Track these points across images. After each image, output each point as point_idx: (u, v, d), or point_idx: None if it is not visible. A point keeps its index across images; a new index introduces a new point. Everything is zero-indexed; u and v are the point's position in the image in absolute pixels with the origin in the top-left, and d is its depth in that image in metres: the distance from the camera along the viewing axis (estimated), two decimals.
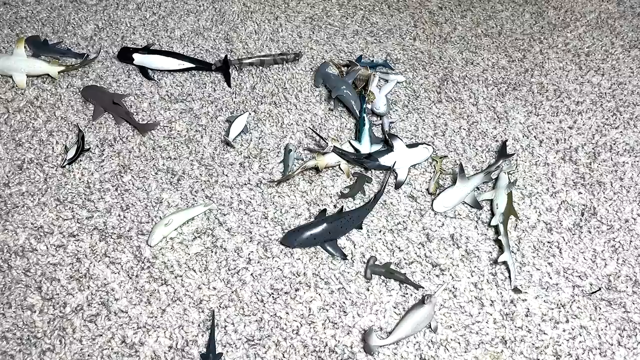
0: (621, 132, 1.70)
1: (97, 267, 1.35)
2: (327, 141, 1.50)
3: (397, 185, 1.52)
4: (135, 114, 1.66)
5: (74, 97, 1.69)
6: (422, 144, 1.57)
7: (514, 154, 1.61)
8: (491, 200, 1.49)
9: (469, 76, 1.83)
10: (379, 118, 1.67)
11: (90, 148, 1.57)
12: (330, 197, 1.51)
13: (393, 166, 1.52)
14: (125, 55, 1.76)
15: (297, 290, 1.34)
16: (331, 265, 1.38)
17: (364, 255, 1.40)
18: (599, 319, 1.32)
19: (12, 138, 1.59)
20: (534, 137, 1.67)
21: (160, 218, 1.44)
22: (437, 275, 1.37)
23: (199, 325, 1.28)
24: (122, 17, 1.94)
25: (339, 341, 1.27)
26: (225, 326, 1.28)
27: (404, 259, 1.40)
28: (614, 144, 1.67)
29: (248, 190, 1.51)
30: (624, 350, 1.28)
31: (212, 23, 1.95)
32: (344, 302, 1.32)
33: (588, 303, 1.35)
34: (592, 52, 1.93)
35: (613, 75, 1.86)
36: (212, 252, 1.39)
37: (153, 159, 1.56)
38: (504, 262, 1.38)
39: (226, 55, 1.77)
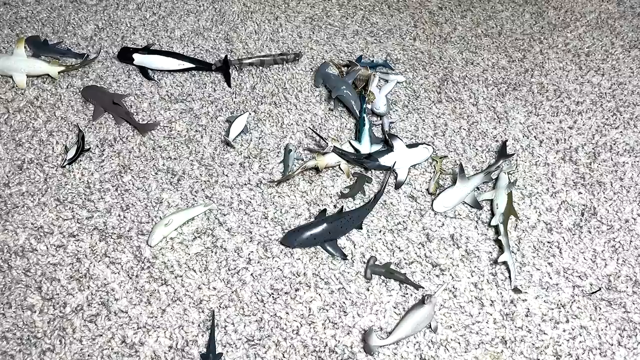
0: (621, 132, 1.70)
1: (97, 267, 1.35)
2: (327, 141, 1.50)
3: (397, 185, 1.52)
4: (135, 114, 1.66)
5: (74, 97, 1.69)
6: (422, 144, 1.57)
7: (514, 154, 1.61)
8: (491, 200, 1.49)
9: (469, 76, 1.83)
10: (379, 118, 1.67)
11: (90, 148, 1.57)
12: (330, 197, 1.51)
13: (393, 166, 1.52)
14: (125, 55, 1.76)
15: (297, 290, 1.34)
16: (331, 265, 1.38)
17: (364, 255, 1.40)
18: (599, 319, 1.32)
19: (12, 138, 1.59)
20: (534, 137, 1.67)
21: (160, 218, 1.44)
22: (437, 275, 1.37)
23: (199, 325, 1.28)
24: (122, 17, 1.94)
25: (339, 341, 1.27)
26: (225, 326, 1.28)
27: (404, 259, 1.40)
28: (614, 144, 1.67)
29: (248, 190, 1.51)
30: (624, 351, 1.28)
31: (212, 23, 1.95)
32: (344, 302, 1.32)
33: (588, 303, 1.35)
34: (592, 52, 1.94)
35: (613, 76, 1.86)
36: (212, 252, 1.39)
37: (153, 159, 1.56)
38: (504, 262, 1.38)
39: (226, 56, 1.77)
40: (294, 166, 1.54)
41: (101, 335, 1.25)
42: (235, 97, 1.73)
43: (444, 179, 1.55)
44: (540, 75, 1.85)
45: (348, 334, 1.28)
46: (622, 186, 1.57)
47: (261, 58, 1.79)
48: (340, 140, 1.62)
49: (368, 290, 1.34)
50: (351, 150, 1.56)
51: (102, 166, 1.54)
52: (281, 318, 1.30)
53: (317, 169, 1.53)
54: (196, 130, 1.63)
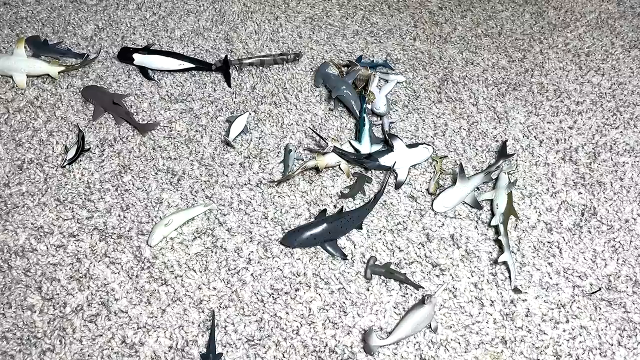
0: (621, 132, 1.70)
1: (97, 267, 1.35)
2: (327, 141, 1.50)
3: (397, 186, 1.52)
4: (135, 114, 1.66)
5: (74, 97, 1.69)
6: (422, 144, 1.57)
7: (514, 154, 1.61)
8: (491, 200, 1.49)
9: (469, 76, 1.83)
10: (379, 118, 1.67)
11: (90, 148, 1.57)
12: (330, 197, 1.51)
13: (393, 166, 1.52)
14: (125, 55, 1.76)
15: (297, 290, 1.34)
16: (331, 266, 1.38)
17: (364, 256, 1.40)
18: (599, 319, 1.32)
19: (12, 138, 1.59)
20: (534, 137, 1.67)
21: (160, 218, 1.44)
22: (437, 276, 1.37)
23: (199, 325, 1.28)
24: (122, 17, 1.94)
25: (339, 341, 1.27)
26: (226, 326, 1.28)
27: (404, 259, 1.40)
28: (614, 144, 1.67)
29: (248, 190, 1.51)
30: (624, 351, 1.28)
31: (212, 23, 1.95)
32: (344, 302, 1.32)
33: (588, 303, 1.35)
34: (592, 52, 1.94)
35: (613, 76, 1.86)
36: (212, 252, 1.39)
37: (153, 159, 1.56)
38: (504, 262, 1.38)
39: (226, 56, 1.77)
40: (294, 166, 1.54)
41: (101, 335, 1.25)
42: (235, 97, 1.73)
43: (444, 179, 1.55)
44: (540, 75, 1.85)
45: (348, 334, 1.28)
46: (622, 186, 1.57)
47: (261, 58, 1.79)
48: (340, 140, 1.62)
49: (368, 290, 1.34)
50: (351, 150, 1.56)
51: (102, 166, 1.54)
52: (281, 318, 1.30)
53: (317, 169, 1.53)
54: (196, 130, 1.63)
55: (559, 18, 2.06)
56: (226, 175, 1.54)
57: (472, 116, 1.72)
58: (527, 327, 1.31)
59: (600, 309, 1.34)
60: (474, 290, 1.35)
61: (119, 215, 1.44)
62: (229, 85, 1.75)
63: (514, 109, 1.74)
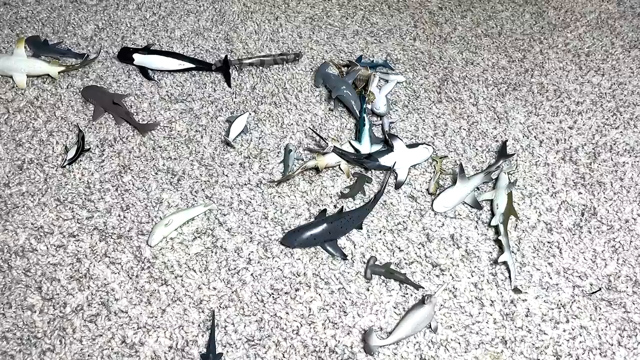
0: (621, 132, 1.70)
1: (97, 267, 1.35)
2: (327, 141, 1.50)
3: (397, 186, 1.52)
4: (135, 114, 1.66)
5: (74, 97, 1.69)
6: (422, 144, 1.57)
7: (514, 154, 1.61)
8: (491, 201, 1.49)
9: (469, 76, 1.83)
10: (379, 118, 1.67)
11: (90, 148, 1.57)
12: (330, 197, 1.51)
13: (393, 166, 1.52)
14: (125, 55, 1.76)
15: (297, 290, 1.34)
16: (331, 266, 1.38)
17: (364, 256, 1.40)
18: (599, 319, 1.32)
19: (12, 138, 1.59)
20: (534, 137, 1.67)
21: (161, 218, 1.44)
22: (437, 276, 1.37)
23: (199, 325, 1.28)
24: (122, 17, 1.94)
25: (339, 341, 1.27)
26: (226, 326, 1.28)
27: (404, 259, 1.40)
28: (614, 144, 1.67)
29: (248, 190, 1.51)
30: (624, 351, 1.28)
31: (212, 23, 1.95)
32: (344, 302, 1.32)
33: (588, 303, 1.35)
34: (592, 52, 1.94)
35: (613, 76, 1.86)
36: (212, 252, 1.39)
37: (153, 159, 1.56)
38: (504, 262, 1.38)
39: (226, 56, 1.77)
40: (294, 166, 1.54)
41: (101, 335, 1.25)
42: (235, 97, 1.73)
43: (444, 179, 1.55)
44: (540, 75, 1.85)
45: (348, 334, 1.28)
46: (622, 186, 1.57)
47: (261, 58, 1.79)
48: (340, 140, 1.62)
49: (368, 290, 1.34)
50: (351, 150, 1.56)
51: (102, 166, 1.54)
52: (281, 318, 1.30)
53: (317, 169, 1.53)
54: (196, 130, 1.63)
55: (559, 18, 2.06)
56: (226, 175, 1.54)
57: (472, 116, 1.72)
58: (527, 327, 1.31)
59: (600, 309, 1.34)
60: (474, 290, 1.35)
61: (119, 215, 1.44)
62: (229, 86, 1.75)
63: (514, 109, 1.74)
